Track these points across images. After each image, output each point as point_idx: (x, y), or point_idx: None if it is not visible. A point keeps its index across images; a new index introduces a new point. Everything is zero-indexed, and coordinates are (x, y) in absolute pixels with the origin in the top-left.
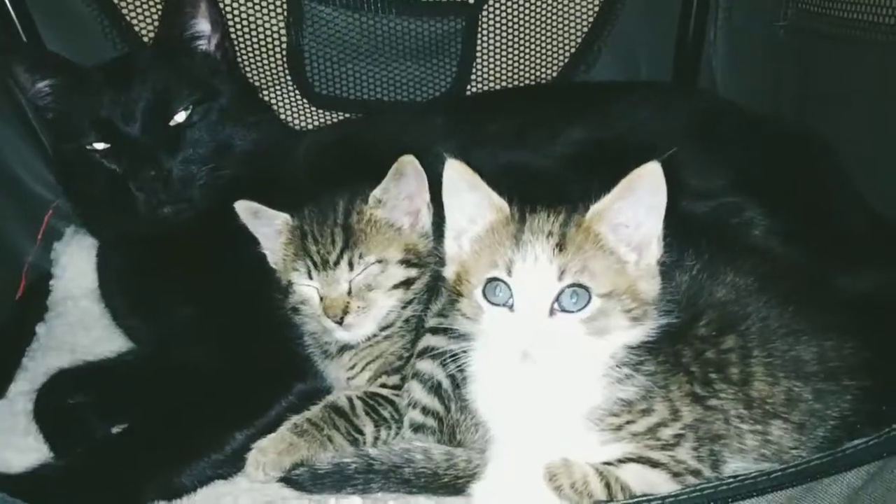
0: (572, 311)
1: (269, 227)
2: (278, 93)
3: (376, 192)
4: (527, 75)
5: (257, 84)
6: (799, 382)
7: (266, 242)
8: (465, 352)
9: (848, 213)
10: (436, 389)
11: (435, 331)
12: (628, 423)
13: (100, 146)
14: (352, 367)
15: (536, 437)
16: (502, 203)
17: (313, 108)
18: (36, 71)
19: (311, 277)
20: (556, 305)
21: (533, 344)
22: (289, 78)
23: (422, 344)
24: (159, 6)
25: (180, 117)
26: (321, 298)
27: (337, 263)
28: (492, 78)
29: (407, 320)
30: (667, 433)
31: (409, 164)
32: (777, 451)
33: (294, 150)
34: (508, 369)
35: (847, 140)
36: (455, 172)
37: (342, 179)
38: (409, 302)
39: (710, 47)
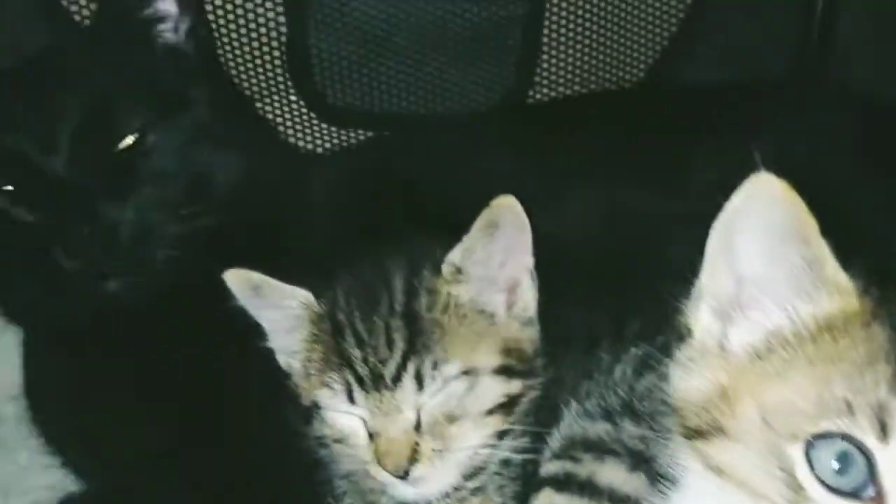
0: None
1: (278, 309)
2: (274, 106)
3: (454, 257)
4: (607, 76)
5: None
6: None
7: (275, 333)
8: None
9: None
10: None
11: (559, 483)
12: None
13: (8, 188)
14: None
15: None
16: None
17: (323, 126)
18: None
19: (352, 401)
20: None
21: None
22: (290, 84)
23: None
24: None
25: (129, 141)
26: (371, 436)
27: (398, 379)
28: (561, 80)
29: (507, 463)
30: None
31: (507, 211)
32: None
33: (306, 185)
34: None
35: None
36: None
37: (384, 232)
38: (505, 433)
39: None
